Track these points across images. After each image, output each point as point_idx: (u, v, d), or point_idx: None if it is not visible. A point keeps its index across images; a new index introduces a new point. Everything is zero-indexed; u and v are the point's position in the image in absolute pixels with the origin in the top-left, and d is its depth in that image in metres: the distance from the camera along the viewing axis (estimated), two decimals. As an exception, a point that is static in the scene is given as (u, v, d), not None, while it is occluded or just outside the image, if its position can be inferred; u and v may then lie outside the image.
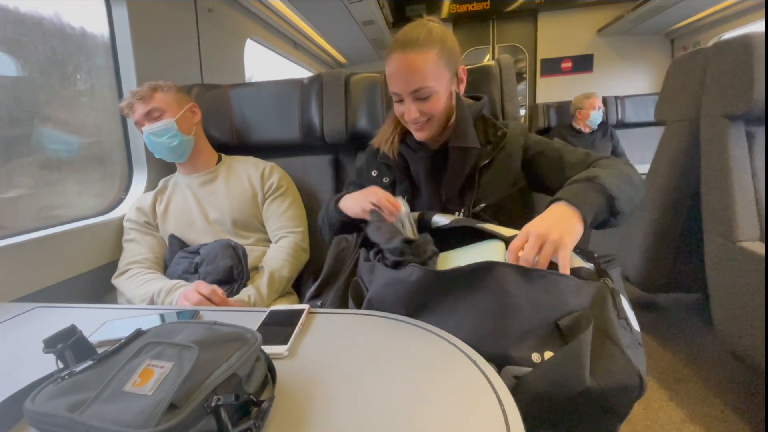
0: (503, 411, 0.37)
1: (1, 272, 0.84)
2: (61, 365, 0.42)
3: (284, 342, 0.52)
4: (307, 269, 1.14)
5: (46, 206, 1.10)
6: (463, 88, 0.83)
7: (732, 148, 1.07)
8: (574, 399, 0.46)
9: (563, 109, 3.01)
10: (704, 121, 1.18)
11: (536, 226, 0.58)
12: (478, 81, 1.09)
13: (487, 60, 1.15)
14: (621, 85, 4.11)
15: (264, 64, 2.74)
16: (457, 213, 0.81)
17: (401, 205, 0.75)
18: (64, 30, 1.16)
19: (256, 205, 1.10)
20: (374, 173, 0.90)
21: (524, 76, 4.55)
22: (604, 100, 2.82)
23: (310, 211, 1.18)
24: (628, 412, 0.49)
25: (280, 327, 0.56)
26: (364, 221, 0.78)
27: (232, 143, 1.25)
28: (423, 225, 0.76)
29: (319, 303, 0.73)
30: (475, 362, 0.45)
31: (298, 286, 1.13)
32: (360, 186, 0.92)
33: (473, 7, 4.45)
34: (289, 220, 1.10)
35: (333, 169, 1.25)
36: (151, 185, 1.27)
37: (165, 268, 1.05)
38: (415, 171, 0.87)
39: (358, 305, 0.64)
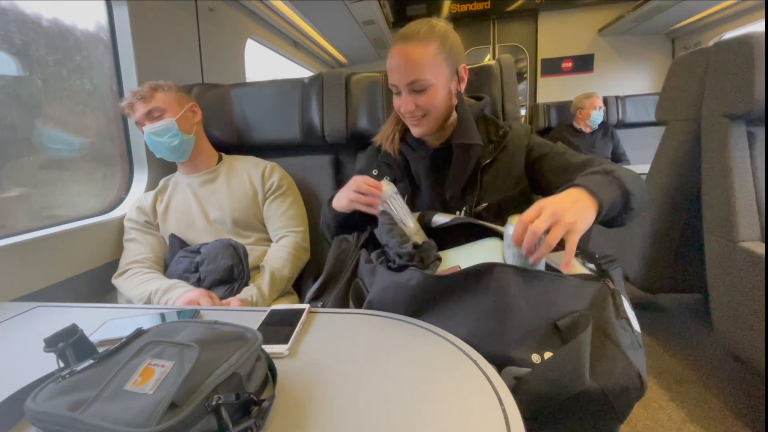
0: (504, 411, 0.37)
1: (2, 271, 0.84)
2: (61, 364, 0.42)
3: (285, 341, 0.52)
4: (308, 269, 1.14)
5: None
6: (464, 86, 0.82)
7: (733, 148, 1.07)
8: (574, 399, 0.46)
9: (564, 109, 3.01)
10: (705, 121, 1.17)
11: (552, 203, 0.55)
12: (479, 81, 1.09)
13: (487, 60, 1.15)
14: (621, 84, 4.11)
15: (265, 64, 2.74)
16: (458, 212, 0.81)
17: (384, 185, 0.74)
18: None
19: (256, 205, 1.10)
20: (375, 172, 0.91)
21: (525, 75, 4.55)
22: (605, 100, 2.82)
23: (310, 211, 1.18)
24: (629, 413, 0.49)
25: (280, 326, 0.56)
26: (366, 219, 0.78)
27: (232, 143, 1.25)
28: (423, 226, 0.75)
29: (319, 304, 0.73)
30: (475, 362, 0.45)
31: (298, 286, 1.13)
32: None
33: (474, 6, 4.45)
34: (289, 219, 1.10)
35: (333, 169, 1.25)
36: (151, 185, 1.27)
37: (165, 267, 1.05)
38: (416, 170, 0.87)
39: (359, 307, 0.64)
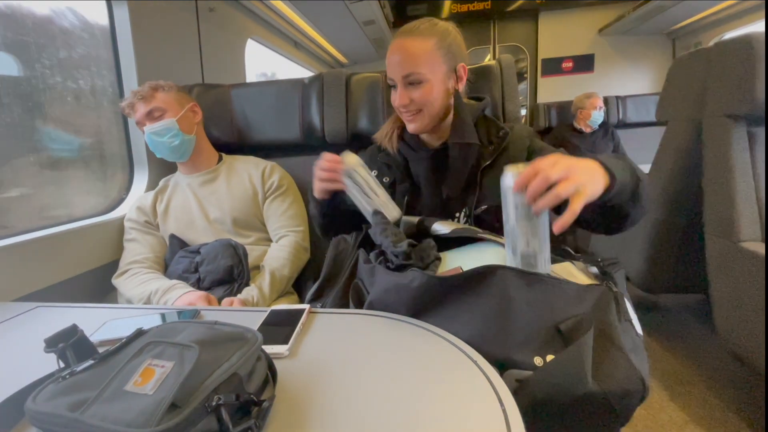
0: (504, 411, 0.37)
1: (3, 271, 0.84)
2: (62, 364, 0.42)
3: (285, 342, 0.52)
4: (308, 269, 1.14)
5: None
6: (462, 85, 0.82)
7: (734, 148, 1.06)
8: (576, 402, 0.46)
9: (564, 109, 3.01)
10: (706, 121, 1.17)
11: (567, 159, 0.52)
12: (479, 81, 1.09)
13: (488, 60, 1.15)
14: (622, 84, 4.10)
15: (268, 64, 2.74)
16: (458, 214, 0.80)
17: (345, 156, 0.72)
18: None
19: (256, 205, 1.10)
20: (375, 172, 0.90)
21: (525, 76, 4.55)
22: (606, 100, 2.81)
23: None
24: (631, 416, 0.49)
25: (280, 327, 0.56)
26: (361, 218, 0.77)
27: (233, 143, 1.25)
28: (423, 231, 0.74)
29: (319, 305, 0.73)
30: (475, 362, 0.45)
31: (298, 286, 1.13)
32: None
33: (474, 6, 4.45)
34: (289, 219, 1.10)
35: (334, 169, 1.25)
36: (151, 185, 1.27)
37: (166, 267, 1.05)
38: (416, 171, 0.87)
39: (359, 308, 0.64)
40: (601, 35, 4.22)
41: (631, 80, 4.18)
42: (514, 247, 0.56)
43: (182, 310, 0.67)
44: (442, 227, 0.71)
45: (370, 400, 0.40)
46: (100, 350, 0.41)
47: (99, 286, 1.05)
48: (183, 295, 0.87)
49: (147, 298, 0.91)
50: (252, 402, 0.36)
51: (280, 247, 1.06)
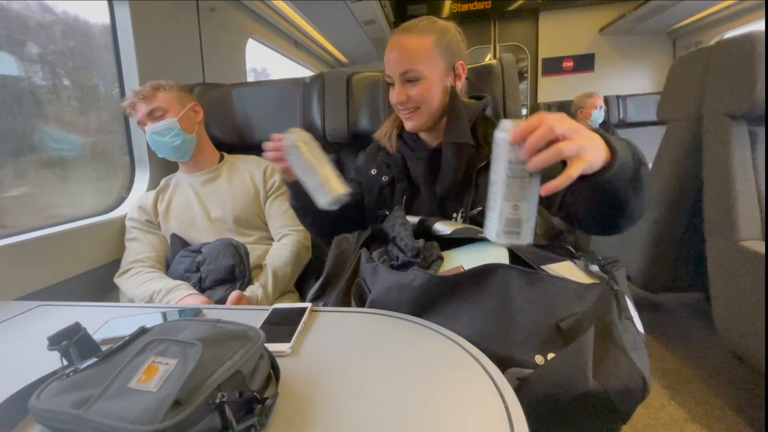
0: (507, 409, 0.37)
1: (5, 270, 0.84)
2: (65, 362, 0.42)
3: (287, 340, 0.52)
4: (310, 267, 1.14)
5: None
6: (460, 84, 0.81)
7: (734, 147, 1.07)
8: (577, 400, 0.46)
9: (565, 109, 3.00)
10: (706, 120, 1.17)
11: (572, 121, 0.47)
12: (480, 80, 1.09)
13: (488, 59, 1.15)
14: (622, 84, 4.10)
15: (258, 60, 2.74)
16: (454, 215, 0.80)
17: (292, 132, 0.70)
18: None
19: (258, 204, 1.11)
20: (373, 171, 0.90)
21: (525, 75, 4.54)
22: (606, 100, 2.81)
23: (311, 210, 1.18)
24: (632, 414, 0.49)
25: (283, 325, 0.56)
26: (366, 218, 0.77)
27: (234, 142, 1.25)
28: (424, 231, 0.74)
29: (321, 304, 0.73)
30: (478, 360, 0.45)
31: (300, 285, 1.13)
32: (358, 183, 0.92)
33: (474, 6, 4.44)
34: (291, 218, 1.10)
35: (334, 169, 1.25)
36: (153, 184, 1.27)
37: (167, 266, 1.05)
38: (413, 170, 0.86)
39: (361, 307, 0.64)
40: (602, 35, 4.22)
41: (631, 80, 4.18)
42: (501, 210, 0.49)
43: (184, 308, 0.67)
44: (443, 227, 0.71)
45: (373, 398, 0.41)
46: (103, 348, 0.41)
47: (100, 285, 1.06)
48: (185, 297, 0.87)
49: (149, 297, 0.91)
50: (255, 399, 0.36)
51: (282, 245, 1.06)
